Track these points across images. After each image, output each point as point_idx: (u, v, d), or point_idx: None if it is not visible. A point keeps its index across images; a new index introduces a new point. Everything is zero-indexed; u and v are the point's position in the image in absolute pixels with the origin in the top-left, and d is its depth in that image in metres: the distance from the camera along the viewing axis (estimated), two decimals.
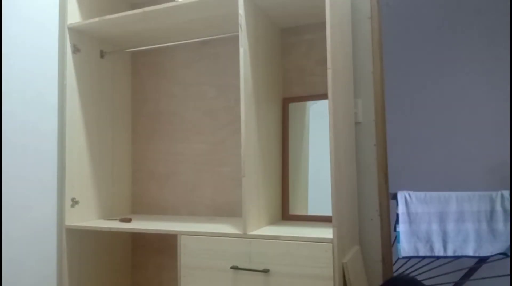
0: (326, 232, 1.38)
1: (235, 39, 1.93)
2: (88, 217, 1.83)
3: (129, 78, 2.14)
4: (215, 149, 1.95)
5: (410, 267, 2.44)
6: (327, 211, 1.63)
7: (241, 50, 1.44)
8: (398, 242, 2.00)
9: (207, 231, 1.46)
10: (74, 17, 1.78)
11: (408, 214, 2.03)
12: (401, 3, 3.23)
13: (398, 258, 2.02)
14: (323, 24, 1.78)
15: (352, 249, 1.50)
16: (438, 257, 1.98)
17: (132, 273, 2.09)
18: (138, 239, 2.09)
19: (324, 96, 1.73)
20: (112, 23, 1.74)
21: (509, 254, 1.94)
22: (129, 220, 1.74)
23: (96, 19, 1.71)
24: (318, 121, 1.73)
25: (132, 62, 2.16)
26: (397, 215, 2.03)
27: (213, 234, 1.45)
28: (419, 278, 2.49)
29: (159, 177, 2.06)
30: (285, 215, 1.72)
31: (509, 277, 2.62)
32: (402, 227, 2.02)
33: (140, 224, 1.67)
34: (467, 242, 1.98)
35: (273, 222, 1.65)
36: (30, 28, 1.65)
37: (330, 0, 1.35)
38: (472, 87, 3.08)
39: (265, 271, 1.35)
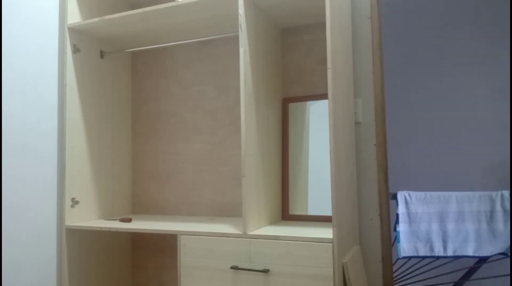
0: (326, 232, 1.38)
1: (235, 39, 1.93)
2: (88, 217, 1.83)
3: (129, 78, 2.14)
4: (215, 149, 1.95)
5: (410, 267, 2.44)
6: (327, 211, 1.63)
7: (241, 50, 1.44)
8: (398, 242, 2.00)
9: (207, 231, 1.46)
10: (74, 17, 1.78)
11: (408, 214, 2.03)
12: (401, 3, 3.24)
13: (398, 258, 2.03)
14: (323, 24, 1.78)
15: (352, 249, 1.50)
16: (438, 257, 1.99)
17: (132, 273, 2.09)
18: (138, 239, 2.09)
19: (324, 96, 1.73)
20: (112, 23, 1.74)
21: (509, 254, 1.94)
22: (129, 220, 1.74)
23: (96, 19, 1.71)
24: (318, 121, 1.73)
25: (132, 62, 2.16)
26: (397, 215, 2.03)
27: (213, 234, 1.45)
28: (419, 278, 2.49)
29: (159, 177, 2.06)
30: (285, 215, 1.72)
31: (509, 277, 2.62)
32: (402, 227, 2.02)
33: (140, 224, 1.67)
34: (467, 242, 1.98)
35: (273, 222, 1.65)
36: (30, 28, 1.65)
37: (330, 0, 1.35)
38: (472, 87, 3.08)
39: (265, 271, 1.35)
